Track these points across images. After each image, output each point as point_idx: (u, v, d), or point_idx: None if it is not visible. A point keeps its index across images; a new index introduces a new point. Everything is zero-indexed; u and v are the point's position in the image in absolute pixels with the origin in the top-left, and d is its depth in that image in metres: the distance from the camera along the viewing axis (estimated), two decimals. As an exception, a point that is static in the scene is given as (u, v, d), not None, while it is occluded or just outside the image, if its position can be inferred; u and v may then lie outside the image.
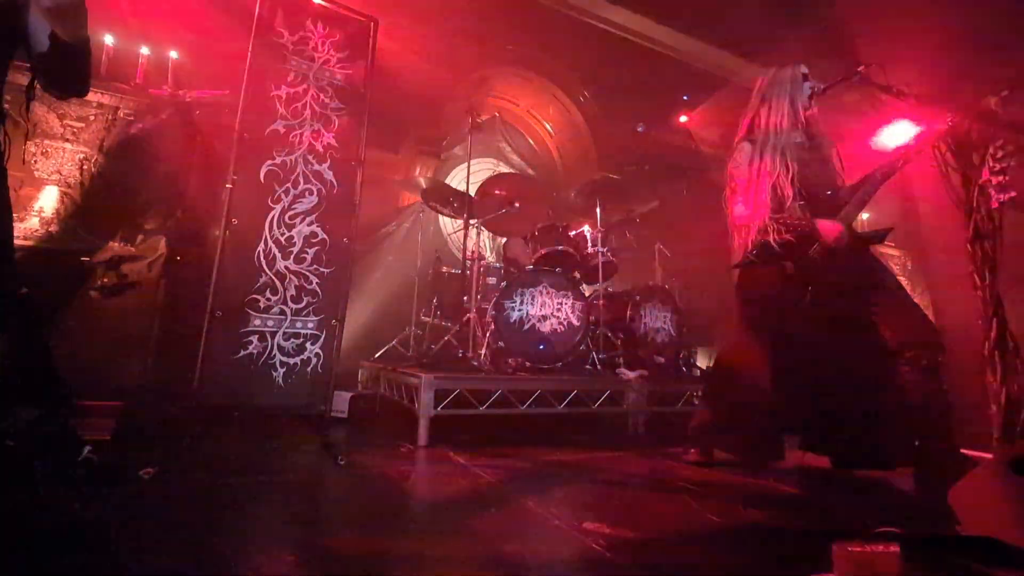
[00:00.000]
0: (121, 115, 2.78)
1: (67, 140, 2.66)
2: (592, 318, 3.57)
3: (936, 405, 1.91)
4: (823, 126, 2.36)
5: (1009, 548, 0.96)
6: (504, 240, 4.49)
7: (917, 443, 1.96)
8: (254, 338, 2.52)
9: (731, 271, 2.35)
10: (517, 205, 3.92)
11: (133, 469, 1.68)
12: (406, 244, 4.68)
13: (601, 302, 3.77)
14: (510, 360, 3.20)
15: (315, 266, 2.70)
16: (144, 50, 3.02)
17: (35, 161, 2.59)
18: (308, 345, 2.64)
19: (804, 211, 2.11)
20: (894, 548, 0.79)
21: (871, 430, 2.05)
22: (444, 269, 3.99)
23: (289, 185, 2.69)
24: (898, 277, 5.97)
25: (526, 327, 3.27)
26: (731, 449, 2.28)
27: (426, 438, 2.50)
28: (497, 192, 3.97)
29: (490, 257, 5.01)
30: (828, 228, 2.07)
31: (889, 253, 5.75)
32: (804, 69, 2.34)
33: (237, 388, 2.47)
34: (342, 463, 2.05)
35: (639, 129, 5.85)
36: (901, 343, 1.96)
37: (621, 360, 3.57)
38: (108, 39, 2.94)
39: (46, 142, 2.62)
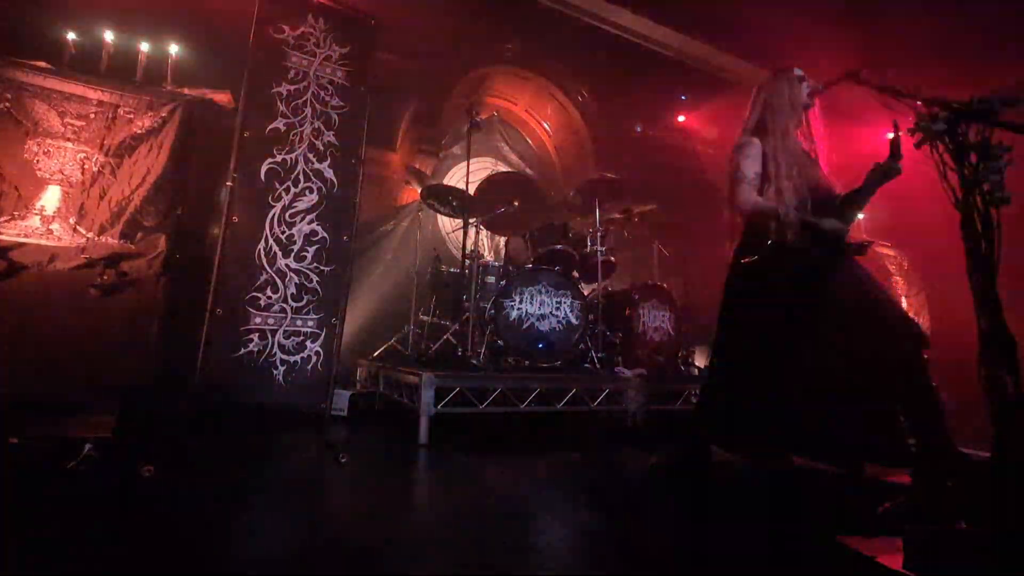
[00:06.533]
0: (121, 113, 2.77)
1: (68, 139, 2.65)
2: (591, 317, 3.58)
3: (926, 401, 1.92)
4: (819, 129, 2.38)
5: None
6: (503, 239, 4.49)
7: (912, 442, 1.98)
8: (255, 336, 2.52)
9: (728, 266, 2.35)
10: (516, 204, 3.92)
11: (134, 466, 1.68)
12: (404, 243, 4.68)
13: (600, 301, 3.78)
14: (509, 359, 3.21)
15: (315, 264, 2.70)
16: (144, 46, 3.01)
17: (37, 160, 2.58)
18: (308, 343, 2.64)
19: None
20: (897, 542, 0.80)
21: (867, 430, 2.06)
22: (443, 268, 3.98)
23: (290, 183, 2.69)
24: (894, 277, 5.96)
25: (525, 326, 3.28)
26: (732, 448, 2.29)
27: (426, 436, 2.51)
28: (496, 191, 3.97)
29: (488, 256, 5.01)
30: (832, 227, 2.10)
31: (885, 253, 5.78)
32: (799, 71, 2.36)
33: (237, 386, 2.46)
34: (343, 460, 2.05)
35: (637, 130, 5.87)
36: (887, 340, 1.98)
37: (620, 359, 3.58)
38: (108, 35, 2.92)
39: (47, 141, 2.61)
